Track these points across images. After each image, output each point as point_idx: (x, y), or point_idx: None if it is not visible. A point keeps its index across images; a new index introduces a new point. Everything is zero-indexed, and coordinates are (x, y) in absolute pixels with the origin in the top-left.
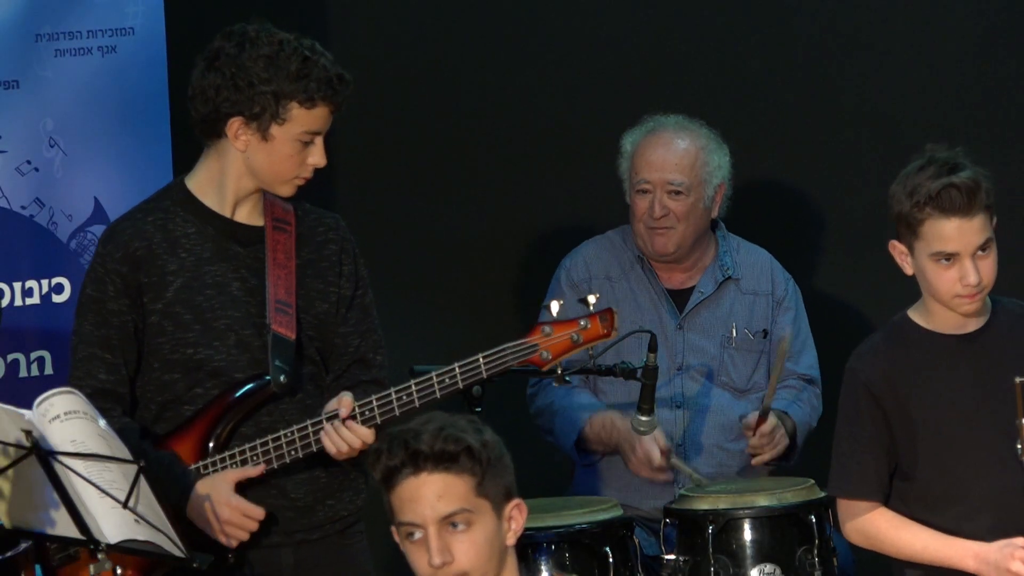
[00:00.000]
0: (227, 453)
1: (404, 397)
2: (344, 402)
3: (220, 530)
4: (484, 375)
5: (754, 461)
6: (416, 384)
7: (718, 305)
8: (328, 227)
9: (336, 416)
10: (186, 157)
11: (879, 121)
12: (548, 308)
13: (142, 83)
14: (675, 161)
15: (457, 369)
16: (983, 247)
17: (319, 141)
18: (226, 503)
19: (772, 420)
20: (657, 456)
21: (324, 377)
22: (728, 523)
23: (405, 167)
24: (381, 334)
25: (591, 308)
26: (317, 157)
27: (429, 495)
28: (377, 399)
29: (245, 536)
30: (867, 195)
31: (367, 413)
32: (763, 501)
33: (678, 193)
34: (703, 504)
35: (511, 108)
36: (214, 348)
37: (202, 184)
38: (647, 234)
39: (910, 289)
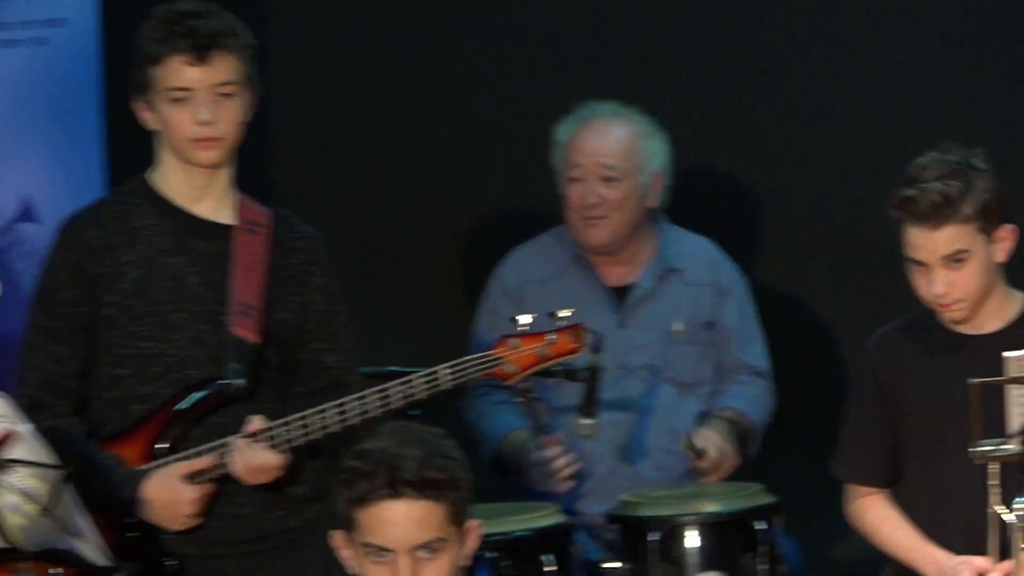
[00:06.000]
0: (174, 456)
1: (364, 407)
2: (255, 422)
3: (181, 523)
4: (450, 387)
5: (701, 480)
6: (375, 394)
7: (660, 299)
8: (300, 236)
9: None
10: (119, 153)
11: (826, 111)
12: (516, 320)
13: (74, 76)
14: (608, 146)
15: (419, 380)
16: (955, 258)
17: (197, 97)
18: (187, 499)
19: (713, 455)
20: (550, 455)
21: (283, 384)
22: (672, 529)
23: (344, 166)
24: (357, 352)
25: (560, 322)
26: (199, 113)
27: (407, 522)
28: (335, 407)
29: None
30: (815, 187)
31: (327, 420)
32: (709, 507)
33: (612, 179)
34: (646, 510)
35: (460, 103)
36: (168, 342)
37: (162, 176)
38: (580, 225)
39: (858, 281)
